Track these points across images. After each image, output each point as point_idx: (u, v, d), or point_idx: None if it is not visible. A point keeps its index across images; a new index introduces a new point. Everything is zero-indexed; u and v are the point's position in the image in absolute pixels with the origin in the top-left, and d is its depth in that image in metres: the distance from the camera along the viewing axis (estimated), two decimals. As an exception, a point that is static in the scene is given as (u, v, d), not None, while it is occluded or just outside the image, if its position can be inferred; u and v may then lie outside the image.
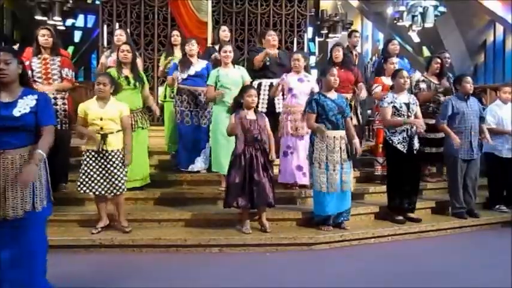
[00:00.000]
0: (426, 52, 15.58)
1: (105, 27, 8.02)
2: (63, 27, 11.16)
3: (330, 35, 12.74)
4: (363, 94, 5.71)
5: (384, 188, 5.25)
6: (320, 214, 4.65)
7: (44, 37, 4.76)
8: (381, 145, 5.54)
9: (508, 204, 5.66)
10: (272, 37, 5.53)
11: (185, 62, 5.44)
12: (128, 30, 7.71)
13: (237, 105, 4.49)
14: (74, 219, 4.61)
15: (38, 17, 10.35)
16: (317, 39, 12.84)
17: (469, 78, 5.35)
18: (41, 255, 2.89)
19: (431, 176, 6.11)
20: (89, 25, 17.53)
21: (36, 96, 2.83)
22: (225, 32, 6.01)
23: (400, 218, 4.98)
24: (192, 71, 5.41)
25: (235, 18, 8.59)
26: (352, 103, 5.72)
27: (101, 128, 4.23)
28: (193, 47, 5.45)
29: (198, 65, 5.46)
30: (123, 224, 4.43)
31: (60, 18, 10.63)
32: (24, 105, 2.76)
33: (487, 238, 5.03)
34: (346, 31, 13.20)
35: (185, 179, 5.46)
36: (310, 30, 10.63)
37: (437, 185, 5.98)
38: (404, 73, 4.97)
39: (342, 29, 12.56)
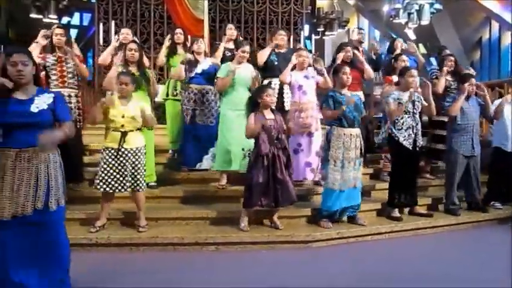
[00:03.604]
0: (422, 49, 15.61)
1: (101, 25, 8.02)
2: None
3: (327, 33, 12.76)
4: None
5: (385, 185, 5.30)
6: (327, 209, 4.68)
7: (57, 36, 4.80)
8: None
9: (506, 201, 5.68)
10: (281, 37, 5.68)
11: (192, 61, 5.44)
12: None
13: (255, 105, 4.47)
14: (76, 217, 4.57)
15: (34, 15, 10.32)
16: (313, 37, 12.84)
17: (473, 80, 5.42)
18: (61, 256, 2.91)
19: (431, 173, 6.17)
20: (85, 23, 17.47)
21: (52, 95, 2.90)
22: (231, 30, 6.02)
23: (397, 215, 5.03)
24: (199, 69, 5.42)
25: (231, 16, 8.60)
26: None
27: (122, 126, 4.24)
28: (201, 45, 5.48)
29: (205, 63, 5.47)
30: (140, 223, 4.42)
31: (55, 16, 10.60)
32: (41, 102, 2.82)
33: (483, 235, 5.05)
34: (342, 29, 13.23)
35: (183, 178, 5.44)
36: (306, 28, 10.63)
37: (435, 182, 6.01)
38: (414, 72, 5.00)
39: (338, 26, 12.59)
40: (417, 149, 4.99)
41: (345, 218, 4.86)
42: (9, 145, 2.76)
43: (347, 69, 4.75)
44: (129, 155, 4.25)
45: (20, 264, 2.79)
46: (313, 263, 4.09)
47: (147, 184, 5.06)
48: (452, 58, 6.01)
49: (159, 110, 6.51)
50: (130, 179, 4.26)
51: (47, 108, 2.82)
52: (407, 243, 4.73)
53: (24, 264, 2.80)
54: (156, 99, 6.45)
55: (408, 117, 4.93)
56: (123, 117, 4.23)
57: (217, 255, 4.25)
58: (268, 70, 5.60)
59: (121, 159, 4.24)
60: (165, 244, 4.32)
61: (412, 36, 13.54)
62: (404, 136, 4.92)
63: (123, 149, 4.23)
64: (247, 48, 5.19)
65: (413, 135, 4.94)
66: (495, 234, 5.04)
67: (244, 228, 4.46)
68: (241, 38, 6.02)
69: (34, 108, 2.78)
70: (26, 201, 2.78)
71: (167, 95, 5.96)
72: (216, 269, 3.91)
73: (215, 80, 5.22)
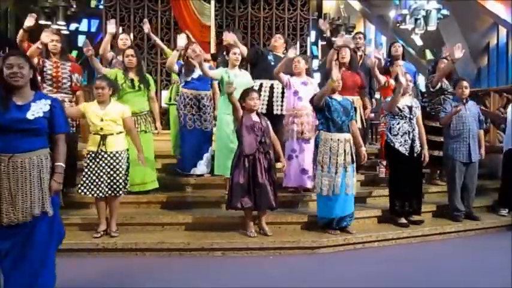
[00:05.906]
0: (429, 55, 15.57)
1: (108, 31, 8.03)
2: (67, 32, 11.21)
3: (333, 39, 12.75)
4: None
5: (387, 191, 5.22)
6: (324, 217, 4.63)
7: (52, 42, 4.79)
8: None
9: None
10: (275, 39, 5.80)
11: (189, 65, 5.43)
12: (131, 34, 7.74)
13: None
14: (75, 222, 4.59)
15: (42, 22, 10.41)
16: (320, 42, 12.87)
17: (464, 83, 5.32)
18: (50, 259, 2.93)
19: (441, 179, 6.12)
20: (93, 29, 17.63)
21: (49, 102, 2.86)
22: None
23: (404, 221, 4.97)
24: (195, 74, 5.41)
25: (238, 22, 8.60)
26: (357, 106, 5.52)
27: (101, 129, 4.25)
28: (196, 49, 5.42)
29: None
30: (112, 227, 4.41)
31: (64, 23, 10.71)
32: (38, 109, 2.79)
33: (491, 242, 5.00)
34: (349, 34, 13.21)
35: (188, 183, 5.44)
36: (313, 33, 10.64)
37: (442, 188, 5.94)
38: (407, 77, 4.94)
39: (344, 32, 12.58)
40: (415, 155, 4.92)
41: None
42: (3, 150, 2.75)
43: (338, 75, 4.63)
44: (108, 158, 4.24)
45: (10, 262, 2.81)
46: (320, 269, 4.07)
47: (148, 191, 5.10)
48: (445, 61, 5.95)
49: (165, 115, 6.52)
50: (108, 182, 4.24)
51: (43, 116, 2.79)
52: (415, 249, 4.70)
53: (13, 264, 2.80)
54: (164, 104, 6.47)
55: (404, 122, 4.89)
56: (101, 120, 4.25)
57: (224, 261, 4.24)
58: (263, 70, 5.54)
59: (100, 162, 4.24)
60: (171, 249, 4.32)
61: (418, 42, 13.53)
62: (400, 142, 4.87)
63: (102, 153, 4.24)
64: (237, 50, 5.20)
65: (409, 141, 4.88)
66: (503, 240, 4.98)
67: (251, 234, 4.45)
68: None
69: (30, 116, 2.75)
70: (26, 207, 2.77)
71: (170, 99, 5.97)
72: (222, 274, 3.90)
73: (211, 83, 5.43)
